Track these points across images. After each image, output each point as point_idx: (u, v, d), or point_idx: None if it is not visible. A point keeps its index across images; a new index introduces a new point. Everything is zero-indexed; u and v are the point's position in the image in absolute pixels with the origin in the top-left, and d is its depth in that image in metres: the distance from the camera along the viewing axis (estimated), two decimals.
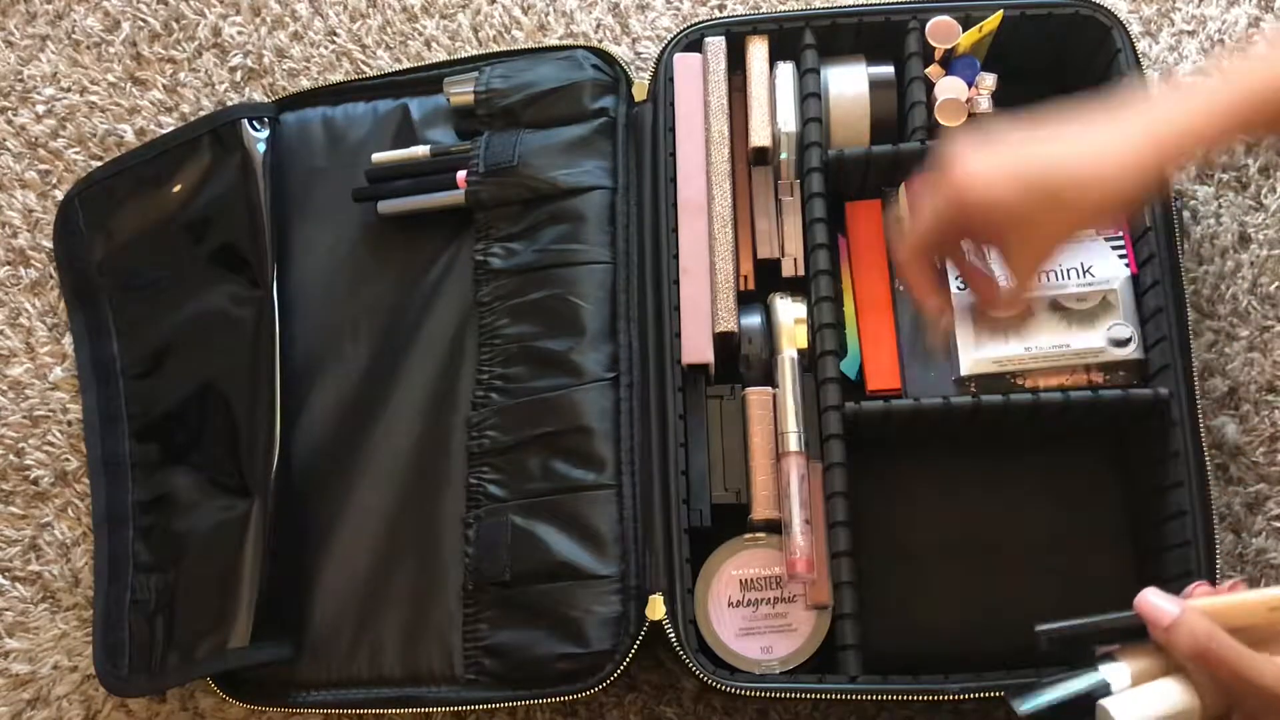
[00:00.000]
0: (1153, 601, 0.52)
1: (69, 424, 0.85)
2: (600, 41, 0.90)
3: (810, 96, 0.78)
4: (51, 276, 0.88)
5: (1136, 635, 0.53)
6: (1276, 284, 0.80)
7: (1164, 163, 0.61)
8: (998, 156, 0.62)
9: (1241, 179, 0.83)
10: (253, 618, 0.74)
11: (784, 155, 0.78)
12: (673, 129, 0.79)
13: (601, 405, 0.75)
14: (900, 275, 0.68)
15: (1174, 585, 0.58)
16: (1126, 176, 0.60)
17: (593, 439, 0.74)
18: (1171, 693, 0.52)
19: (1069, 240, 0.64)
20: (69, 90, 0.93)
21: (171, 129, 0.90)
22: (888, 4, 0.79)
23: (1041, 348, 0.73)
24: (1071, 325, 0.74)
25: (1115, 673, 0.53)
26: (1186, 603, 0.52)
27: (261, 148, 0.84)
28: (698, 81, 0.80)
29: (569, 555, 0.72)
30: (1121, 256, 0.75)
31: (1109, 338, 0.73)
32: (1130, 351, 0.73)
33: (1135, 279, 0.74)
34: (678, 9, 0.91)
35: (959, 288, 0.74)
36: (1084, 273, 0.74)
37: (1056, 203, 0.61)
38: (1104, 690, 0.52)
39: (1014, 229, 0.62)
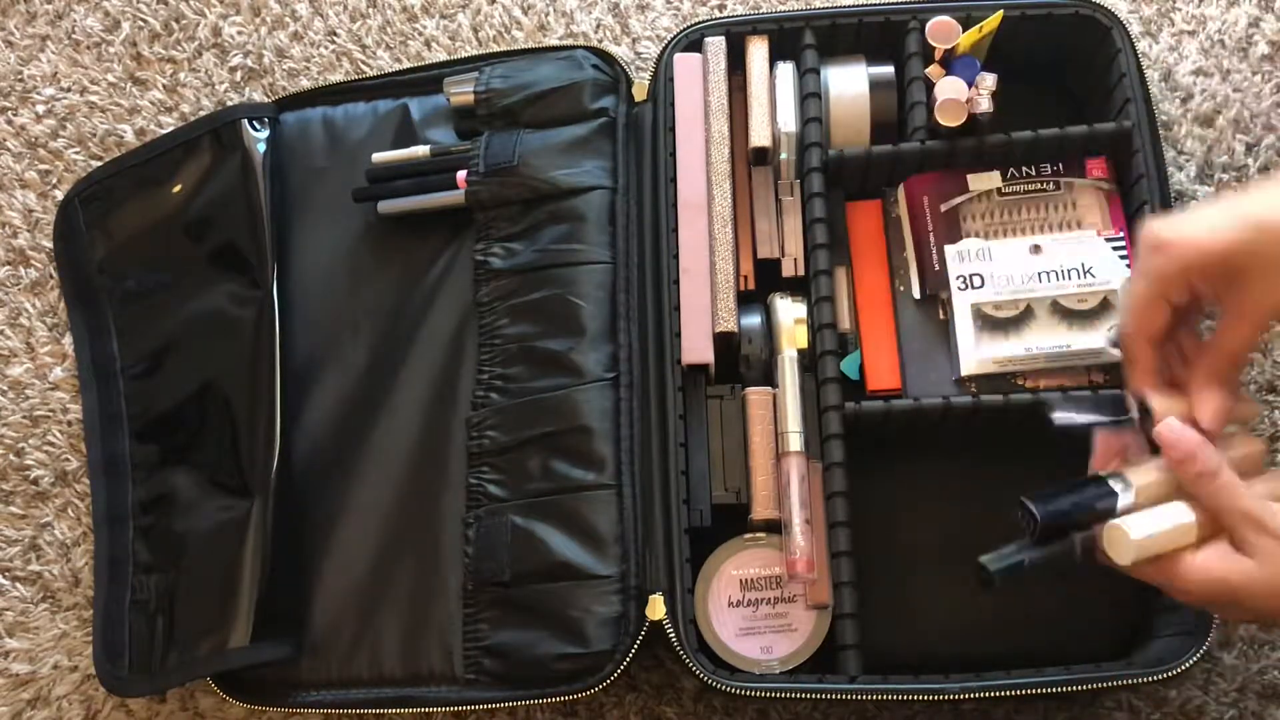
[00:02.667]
0: (1174, 428, 0.58)
1: (69, 424, 0.85)
2: (600, 41, 0.90)
3: (810, 96, 0.78)
4: (51, 276, 0.89)
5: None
6: None
7: None
8: (1208, 212, 0.59)
9: (1241, 179, 0.83)
10: (253, 617, 0.74)
11: (784, 155, 0.78)
12: (673, 129, 0.79)
13: (601, 405, 0.75)
14: (1124, 351, 0.64)
15: None
16: None
17: (592, 439, 0.74)
18: (1175, 513, 0.58)
19: None
20: (69, 90, 0.93)
21: (171, 129, 0.90)
22: (888, 4, 0.79)
23: (1041, 348, 0.73)
24: (1071, 326, 0.74)
25: (1122, 488, 0.59)
26: (1199, 436, 0.58)
27: (261, 148, 0.84)
28: (698, 81, 0.80)
29: (569, 555, 0.72)
30: (1122, 257, 0.75)
31: (1109, 339, 0.73)
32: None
33: None
34: (678, 9, 0.91)
35: (959, 287, 0.74)
36: (1084, 273, 0.74)
37: (1276, 239, 0.57)
38: (1111, 500, 0.58)
39: (1246, 274, 0.57)
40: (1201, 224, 0.59)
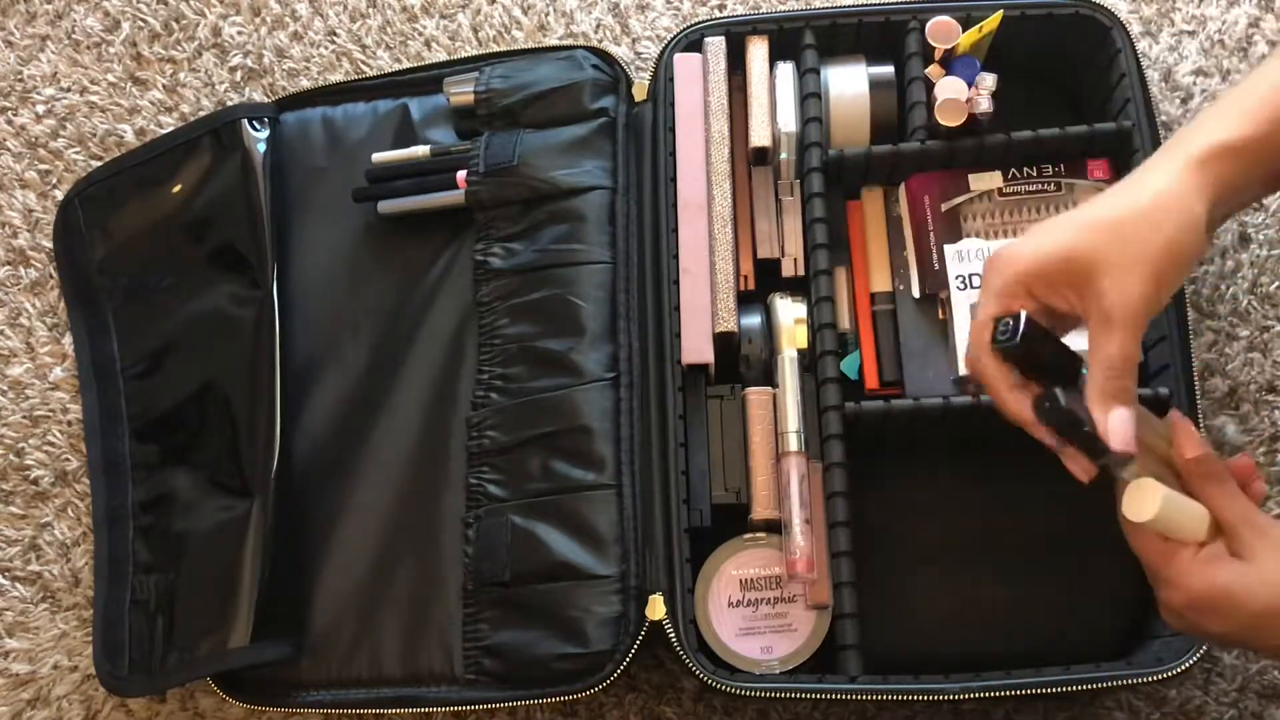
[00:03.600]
0: (1188, 431, 0.59)
1: (69, 424, 0.85)
2: (600, 41, 0.90)
3: (810, 96, 0.78)
4: (51, 276, 0.89)
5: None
6: (1276, 284, 0.80)
7: (1212, 181, 0.57)
8: (1046, 224, 0.59)
9: None
10: (253, 617, 0.74)
11: (784, 155, 0.78)
12: (673, 129, 0.79)
13: (601, 405, 0.75)
14: (975, 377, 0.62)
15: None
16: (1182, 201, 0.56)
17: (593, 439, 0.74)
18: (1195, 504, 0.58)
19: (1155, 295, 0.56)
20: (69, 90, 0.93)
21: (171, 129, 0.90)
22: (888, 4, 0.79)
23: None
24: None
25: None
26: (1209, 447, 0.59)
27: (261, 148, 0.84)
28: (698, 81, 0.80)
29: (569, 555, 0.72)
30: None
31: None
32: None
33: None
34: (678, 9, 0.91)
35: (959, 287, 0.74)
36: None
37: (1119, 236, 0.56)
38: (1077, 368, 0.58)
39: (1094, 276, 0.56)
40: (1038, 235, 0.59)
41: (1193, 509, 0.58)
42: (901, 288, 0.77)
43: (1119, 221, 0.57)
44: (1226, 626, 0.57)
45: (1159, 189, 0.57)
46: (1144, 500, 0.57)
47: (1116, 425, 0.56)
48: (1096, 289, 0.56)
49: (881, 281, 0.78)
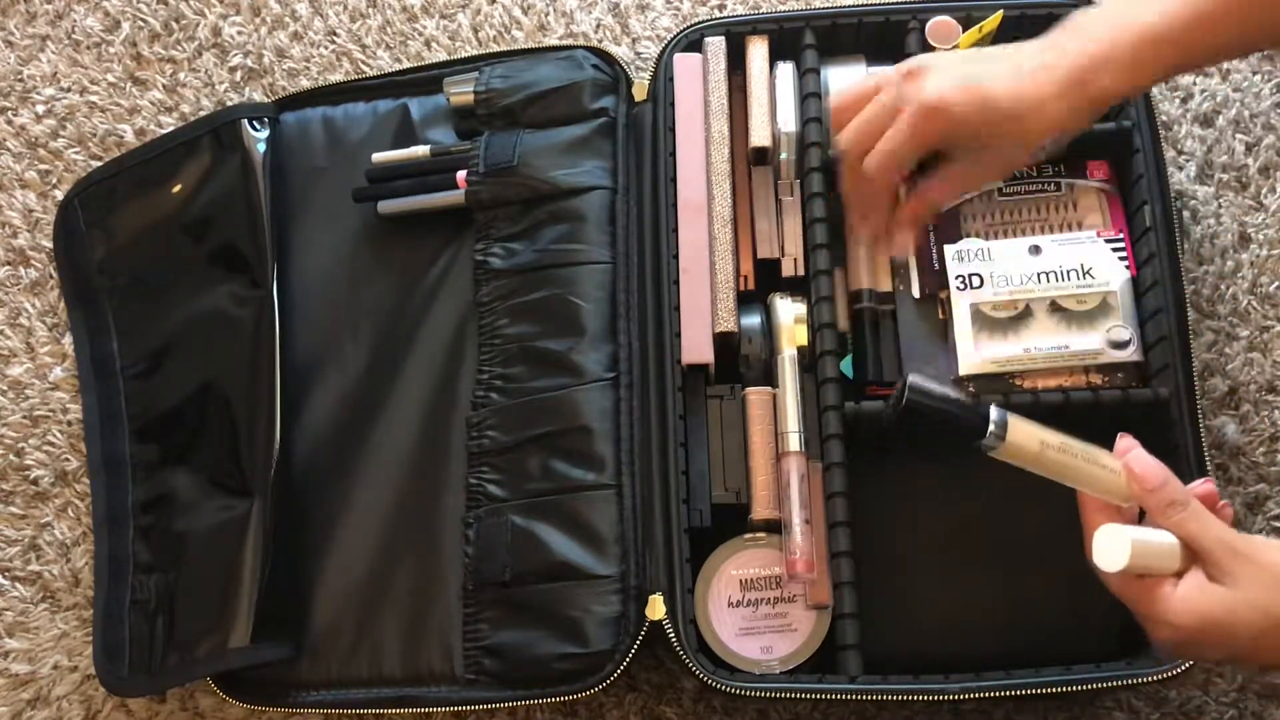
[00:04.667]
0: (1142, 459, 0.58)
1: (69, 424, 0.85)
2: (600, 41, 0.90)
3: (810, 96, 0.78)
4: (51, 276, 0.89)
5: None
6: (1276, 284, 0.80)
7: (1096, 75, 0.62)
8: (953, 75, 0.65)
9: (1241, 179, 0.83)
10: (253, 617, 0.74)
11: (784, 155, 0.78)
12: (673, 129, 0.79)
13: (601, 405, 0.75)
14: (859, 193, 0.71)
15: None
16: (1064, 94, 0.63)
17: (592, 439, 0.74)
18: (1165, 534, 0.57)
19: (1018, 163, 0.71)
20: (69, 90, 0.93)
21: (171, 129, 0.90)
22: (888, 4, 0.79)
23: (1041, 349, 0.73)
24: (1070, 326, 0.73)
25: (997, 420, 0.58)
26: (1165, 468, 0.58)
27: (261, 148, 0.84)
28: (698, 81, 0.80)
29: (569, 555, 0.72)
30: (1121, 258, 0.74)
31: (1108, 340, 0.73)
32: (1129, 354, 0.73)
33: (1135, 280, 0.74)
34: (678, 9, 0.91)
35: (958, 287, 0.74)
36: (1084, 274, 0.74)
37: (1016, 123, 0.63)
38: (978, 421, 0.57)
39: (972, 145, 0.66)
40: (964, 99, 0.64)
41: (1163, 543, 0.56)
42: (901, 288, 0.77)
43: (1014, 118, 0.64)
44: (1222, 654, 0.56)
45: (1038, 97, 0.63)
46: (1113, 548, 0.56)
47: (900, 241, 0.72)
48: (973, 157, 0.67)
49: (882, 281, 0.78)
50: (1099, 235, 0.75)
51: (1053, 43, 0.64)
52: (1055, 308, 0.74)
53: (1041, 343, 0.73)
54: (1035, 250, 0.75)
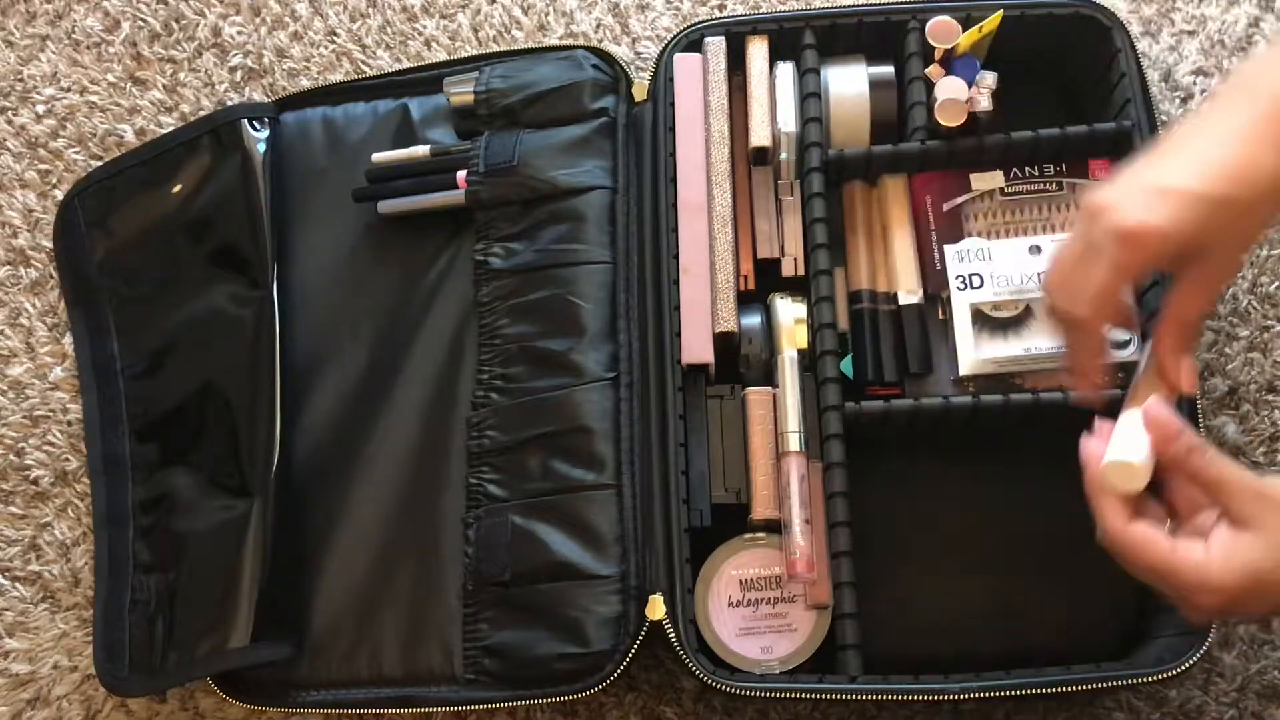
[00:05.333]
0: (1160, 408, 0.58)
1: (69, 424, 0.85)
2: (600, 41, 0.90)
3: (810, 96, 0.78)
4: (51, 276, 0.89)
5: None
6: (1276, 284, 0.80)
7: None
8: (1159, 191, 0.57)
9: None
10: (253, 617, 0.74)
11: (784, 155, 0.78)
12: (673, 129, 0.79)
13: (601, 405, 0.75)
14: (1072, 346, 0.63)
15: None
16: (1274, 179, 0.56)
17: (593, 439, 0.74)
18: (1135, 428, 0.59)
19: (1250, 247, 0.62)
20: (69, 90, 0.93)
21: (171, 129, 0.90)
22: (888, 4, 0.79)
23: (1041, 349, 0.73)
24: None
25: None
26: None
27: (261, 148, 0.84)
28: (698, 81, 0.80)
29: (569, 555, 0.72)
30: None
31: (1111, 339, 0.73)
32: (1129, 353, 0.73)
33: None
34: (678, 9, 0.91)
35: (959, 287, 0.74)
36: None
37: (1233, 218, 0.56)
38: None
39: (1207, 250, 0.57)
40: (1162, 212, 0.56)
41: (1142, 437, 0.58)
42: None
43: (1231, 202, 0.56)
44: (1268, 606, 0.55)
45: (1255, 163, 0.56)
46: (1128, 475, 0.57)
47: (1188, 371, 0.60)
48: (1201, 261, 0.58)
49: (881, 281, 0.78)
50: None
51: (1231, 97, 0.58)
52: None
53: (1042, 343, 0.73)
54: (1036, 250, 0.75)
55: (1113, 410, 0.61)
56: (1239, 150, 0.56)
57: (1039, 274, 0.74)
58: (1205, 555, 0.55)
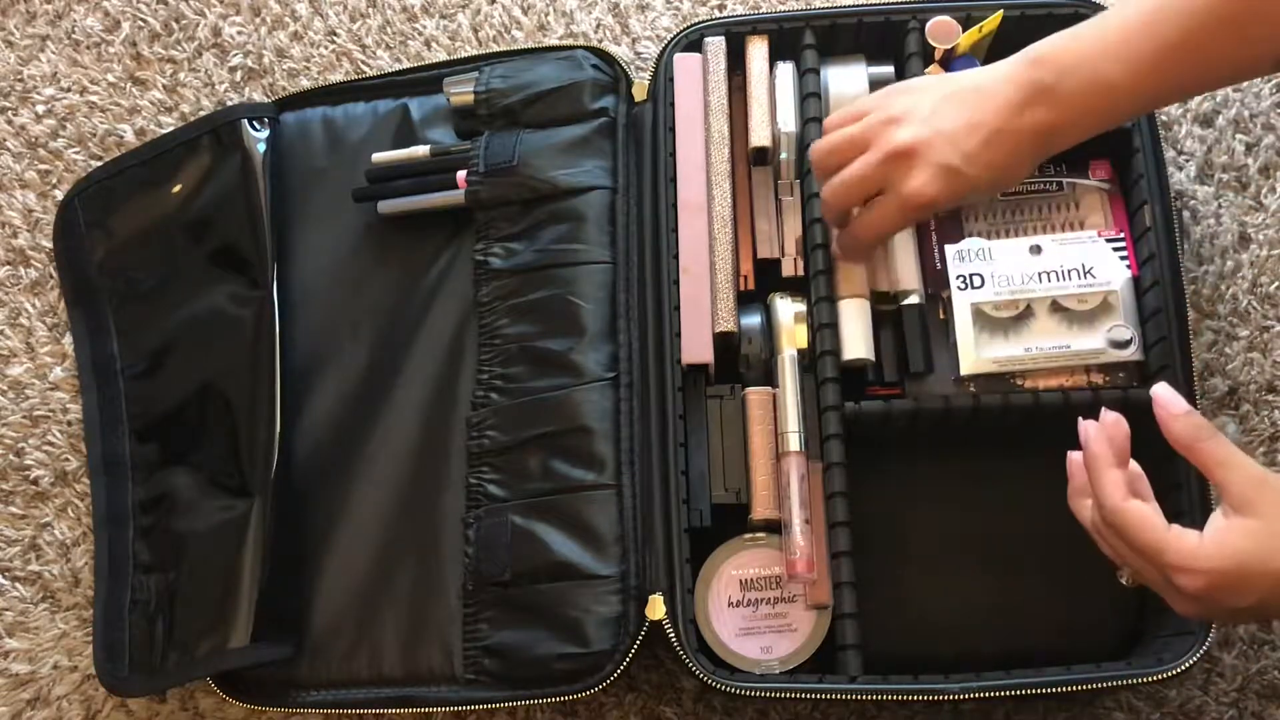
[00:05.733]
0: (1167, 390, 0.58)
1: (69, 424, 0.85)
2: (600, 41, 0.90)
3: (810, 96, 0.78)
4: (51, 276, 0.89)
5: None
6: (1276, 284, 0.80)
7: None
8: (934, 166, 0.65)
9: (1241, 179, 0.83)
10: (253, 617, 0.74)
11: (784, 155, 0.78)
12: (673, 129, 0.79)
13: (601, 405, 0.75)
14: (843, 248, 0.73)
15: None
16: (1033, 160, 0.65)
17: (593, 439, 0.74)
18: None
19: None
20: (69, 90, 0.93)
21: (171, 129, 0.90)
22: (888, 4, 0.79)
23: (1041, 349, 0.73)
24: (1071, 326, 0.73)
25: None
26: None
27: (261, 148, 0.84)
28: (698, 81, 0.80)
29: (569, 555, 0.72)
30: (1123, 258, 0.74)
31: (1109, 339, 0.73)
32: (1130, 353, 0.73)
33: (1136, 280, 0.74)
34: (678, 9, 0.91)
35: (959, 287, 0.74)
36: (1085, 274, 0.74)
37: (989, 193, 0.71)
38: None
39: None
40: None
41: None
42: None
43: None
44: (1253, 598, 0.54)
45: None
46: None
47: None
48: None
49: (881, 282, 0.78)
50: (1100, 235, 0.75)
51: (1028, 99, 0.63)
52: (1056, 307, 0.74)
53: (1042, 343, 0.73)
54: (1036, 250, 0.75)
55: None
56: (1008, 160, 0.65)
57: (1039, 273, 0.74)
58: (1198, 537, 0.55)
